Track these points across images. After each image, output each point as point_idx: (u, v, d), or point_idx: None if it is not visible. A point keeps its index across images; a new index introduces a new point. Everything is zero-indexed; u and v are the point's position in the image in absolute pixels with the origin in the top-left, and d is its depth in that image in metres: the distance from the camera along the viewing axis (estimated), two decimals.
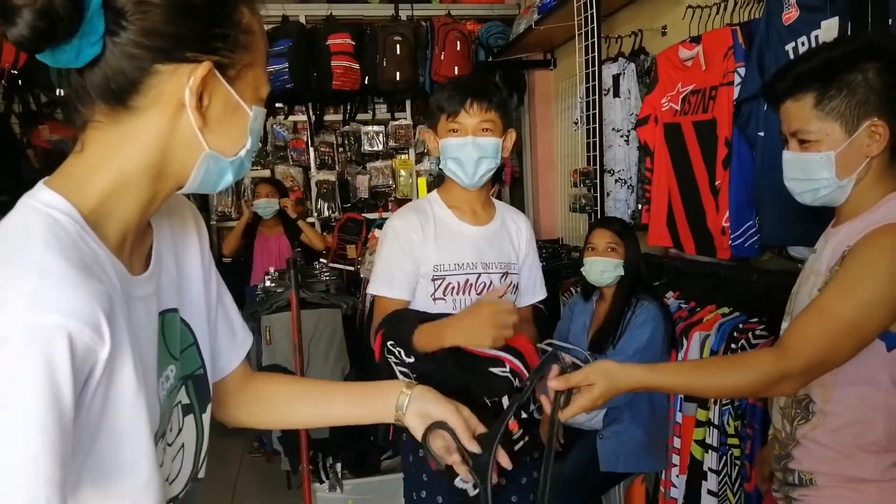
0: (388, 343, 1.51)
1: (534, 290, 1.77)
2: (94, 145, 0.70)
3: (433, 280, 1.61)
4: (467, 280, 1.62)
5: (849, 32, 1.68)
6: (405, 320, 1.52)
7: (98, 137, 0.70)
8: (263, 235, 4.00)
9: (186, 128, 0.70)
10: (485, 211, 1.69)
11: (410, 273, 1.61)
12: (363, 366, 3.23)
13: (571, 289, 3.05)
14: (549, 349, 1.65)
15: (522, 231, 1.74)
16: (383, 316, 1.59)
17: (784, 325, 1.38)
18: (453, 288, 1.62)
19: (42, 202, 0.66)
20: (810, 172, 1.22)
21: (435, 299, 1.62)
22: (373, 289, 1.64)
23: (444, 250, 1.62)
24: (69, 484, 0.62)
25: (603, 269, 2.25)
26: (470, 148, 1.55)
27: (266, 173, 4.65)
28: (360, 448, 3.12)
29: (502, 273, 1.66)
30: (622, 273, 2.24)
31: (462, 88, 1.57)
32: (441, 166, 1.62)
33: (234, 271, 4.38)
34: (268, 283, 3.36)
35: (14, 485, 0.56)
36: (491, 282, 1.64)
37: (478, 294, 1.63)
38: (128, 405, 0.66)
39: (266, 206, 3.89)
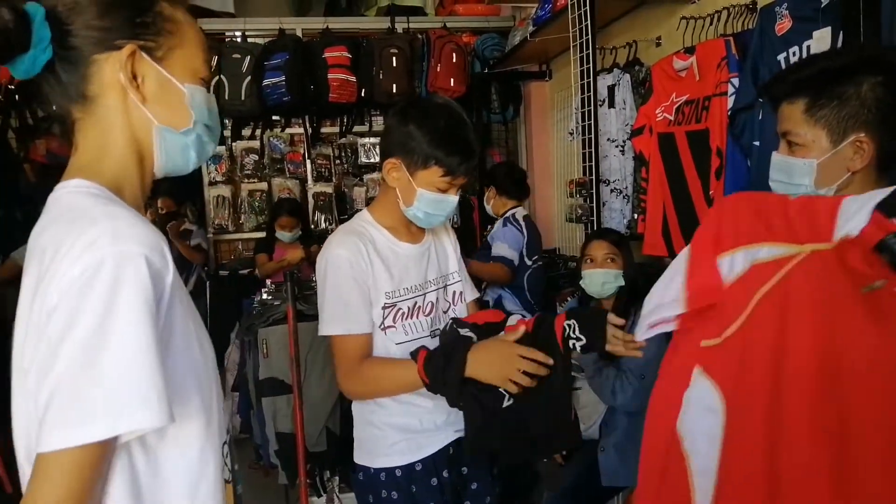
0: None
1: (471, 288, 1.72)
2: (85, 141, 0.85)
3: (384, 308, 1.50)
4: (416, 303, 1.55)
5: (840, 43, 1.69)
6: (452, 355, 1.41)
7: (85, 134, 0.85)
8: (282, 250, 4.02)
9: (135, 106, 0.85)
10: (419, 228, 1.61)
11: (366, 303, 1.49)
12: None
13: (569, 298, 3.04)
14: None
15: (450, 232, 1.71)
16: (350, 358, 1.47)
17: None
18: (403, 314, 1.53)
19: (74, 186, 0.81)
20: (792, 176, 1.23)
21: (385, 328, 1.51)
22: (327, 329, 1.48)
23: (393, 275, 1.52)
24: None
25: (604, 280, 2.22)
26: (448, 204, 1.50)
27: (263, 186, 4.65)
28: None
29: (442, 287, 1.61)
30: (622, 283, 2.22)
31: (466, 152, 1.47)
32: (405, 207, 1.51)
33: (233, 283, 4.39)
34: (265, 296, 3.35)
35: (130, 378, 0.68)
36: (437, 299, 1.59)
37: (426, 316, 1.56)
38: (184, 329, 0.80)
39: (291, 237, 3.99)
